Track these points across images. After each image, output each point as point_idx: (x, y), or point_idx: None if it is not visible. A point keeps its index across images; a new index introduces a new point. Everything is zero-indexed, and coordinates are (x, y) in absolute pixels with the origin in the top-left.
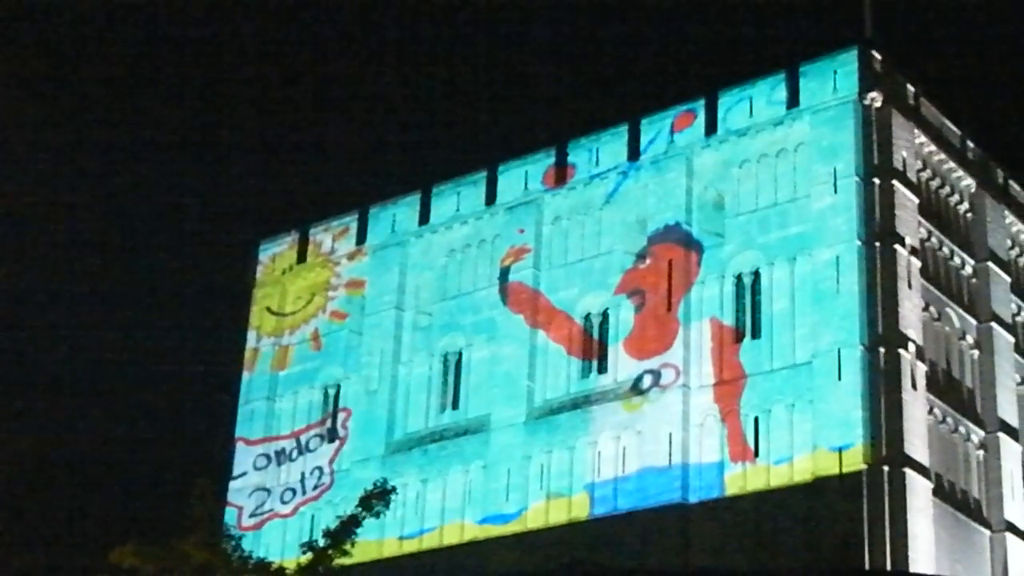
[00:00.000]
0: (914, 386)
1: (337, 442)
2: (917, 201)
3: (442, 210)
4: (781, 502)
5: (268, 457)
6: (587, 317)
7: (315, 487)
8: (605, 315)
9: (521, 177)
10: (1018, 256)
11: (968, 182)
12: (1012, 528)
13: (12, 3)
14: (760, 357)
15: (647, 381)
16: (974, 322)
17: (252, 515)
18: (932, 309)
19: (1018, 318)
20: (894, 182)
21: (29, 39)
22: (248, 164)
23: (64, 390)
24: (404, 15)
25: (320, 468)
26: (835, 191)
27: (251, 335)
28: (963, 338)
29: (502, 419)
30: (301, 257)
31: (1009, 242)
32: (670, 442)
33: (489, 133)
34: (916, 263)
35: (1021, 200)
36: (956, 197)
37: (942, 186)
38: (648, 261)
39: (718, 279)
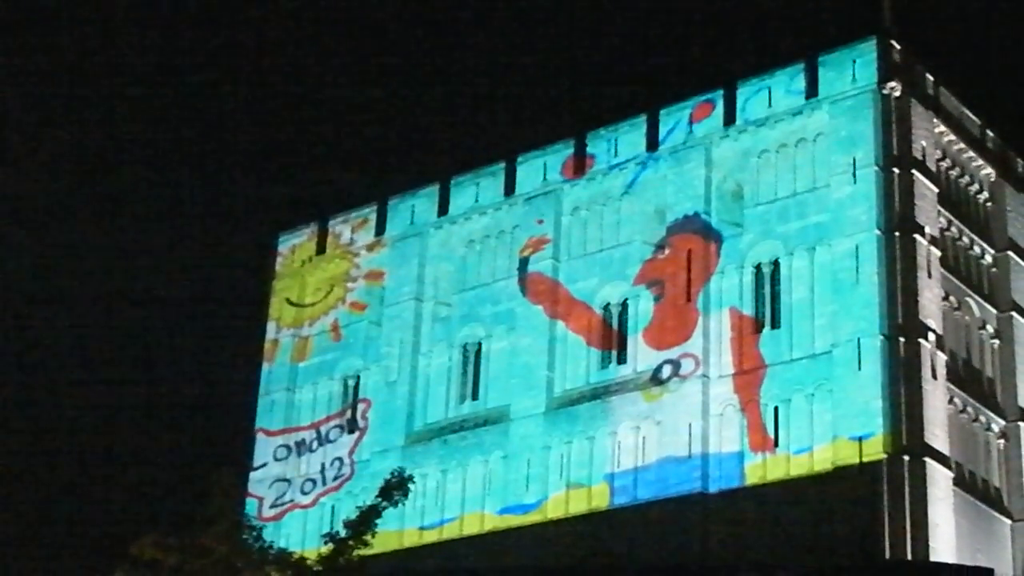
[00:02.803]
0: (934, 375)
1: (357, 433)
2: (937, 190)
3: (461, 201)
4: (801, 491)
5: (288, 448)
6: (606, 307)
7: (335, 478)
8: (624, 305)
9: (540, 168)
10: None
11: (988, 171)
12: None
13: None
14: (780, 347)
15: (667, 371)
16: (994, 311)
17: (273, 506)
18: (952, 299)
19: None
20: (913, 171)
21: (52, 32)
22: (267, 156)
23: (85, 382)
24: (423, 6)
25: (340, 459)
26: (854, 181)
27: (271, 326)
28: (983, 327)
29: (522, 409)
30: (320, 248)
31: None
32: (690, 432)
33: (508, 124)
34: (936, 252)
35: None
36: (976, 186)
37: (962, 175)
38: (667, 251)
39: (737, 269)
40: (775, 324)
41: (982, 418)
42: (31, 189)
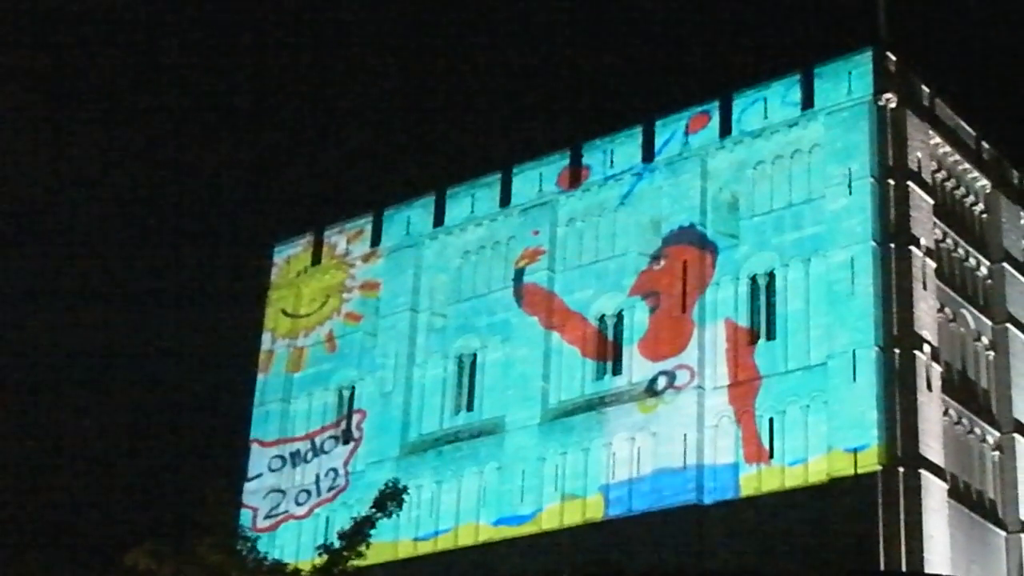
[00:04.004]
0: (929, 387)
1: (352, 444)
2: (932, 202)
3: (456, 212)
4: (796, 503)
5: (283, 459)
6: (602, 318)
7: (330, 489)
8: (620, 316)
9: (535, 179)
10: None
11: (983, 183)
12: None
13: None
14: (775, 358)
15: (662, 382)
16: (989, 323)
17: (267, 517)
18: (947, 310)
19: None
20: (909, 183)
21: (43, 36)
22: (263, 166)
23: (80, 392)
24: (418, 16)
25: (335, 470)
26: (850, 192)
27: (266, 337)
28: (978, 339)
29: (517, 421)
30: (316, 259)
31: None
32: (685, 443)
33: (503, 135)
34: (931, 264)
35: None
36: (971, 198)
37: (957, 187)
38: (663, 262)
39: (733, 280)
40: (770, 335)
41: (977, 430)
42: (26, 198)
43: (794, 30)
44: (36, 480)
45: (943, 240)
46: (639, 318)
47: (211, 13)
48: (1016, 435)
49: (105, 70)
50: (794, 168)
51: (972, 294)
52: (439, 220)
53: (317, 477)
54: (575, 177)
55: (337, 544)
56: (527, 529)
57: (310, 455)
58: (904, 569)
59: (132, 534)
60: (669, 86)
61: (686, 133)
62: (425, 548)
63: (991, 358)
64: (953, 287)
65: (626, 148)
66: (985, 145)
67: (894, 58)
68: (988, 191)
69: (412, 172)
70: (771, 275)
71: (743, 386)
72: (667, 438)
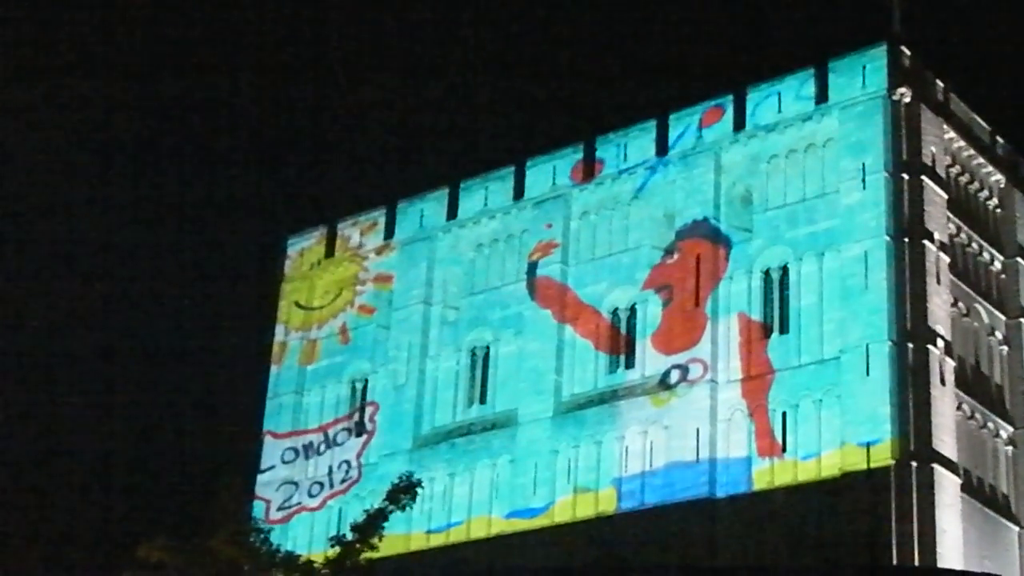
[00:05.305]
0: (943, 382)
1: (365, 436)
2: (946, 197)
3: (470, 205)
4: (809, 497)
5: (296, 451)
6: (615, 312)
7: (343, 481)
8: (633, 310)
9: (549, 172)
10: None
11: (997, 177)
12: None
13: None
14: (788, 352)
15: (675, 376)
16: (1003, 318)
17: (280, 508)
18: (961, 305)
19: None
20: (923, 177)
21: (53, 28)
22: (276, 159)
23: (94, 385)
24: (433, 10)
25: (348, 462)
26: (864, 187)
27: (279, 329)
28: (992, 334)
29: (529, 413)
30: (329, 251)
31: None
32: (697, 437)
33: (517, 128)
34: (945, 259)
35: None
36: (985, 192)
37: (971, 182)
38: (676, 256)
39: (746, 274)
40: (784, 329)
41: (990, 424)
42: (36, 190)
43: (808, 24)
44: (49, 474)
45: (957, 235)
46: (652, 312)
47: (225, 4)
48: None
49: (118, 60)
50: (808, 162)
51: (986, 289)
52: (452, 213)
53: (330, 469)
54: (589, 170)
55: (350, 536)
56: (539, 522)
57: (323, 447)
58: (917, 564)
59: (145, 527)
60: (683, 80)
61: (700, 127)
62: (438, 540)
63: (1005, 353)
64: (967, 282)
65: (640, 142)
66: (999, 140)
67: (908, 53)
68: (1002, 185)
69: (425, 165)
70: (784, 269)
71: (756, 380)
72: (680, 432)
